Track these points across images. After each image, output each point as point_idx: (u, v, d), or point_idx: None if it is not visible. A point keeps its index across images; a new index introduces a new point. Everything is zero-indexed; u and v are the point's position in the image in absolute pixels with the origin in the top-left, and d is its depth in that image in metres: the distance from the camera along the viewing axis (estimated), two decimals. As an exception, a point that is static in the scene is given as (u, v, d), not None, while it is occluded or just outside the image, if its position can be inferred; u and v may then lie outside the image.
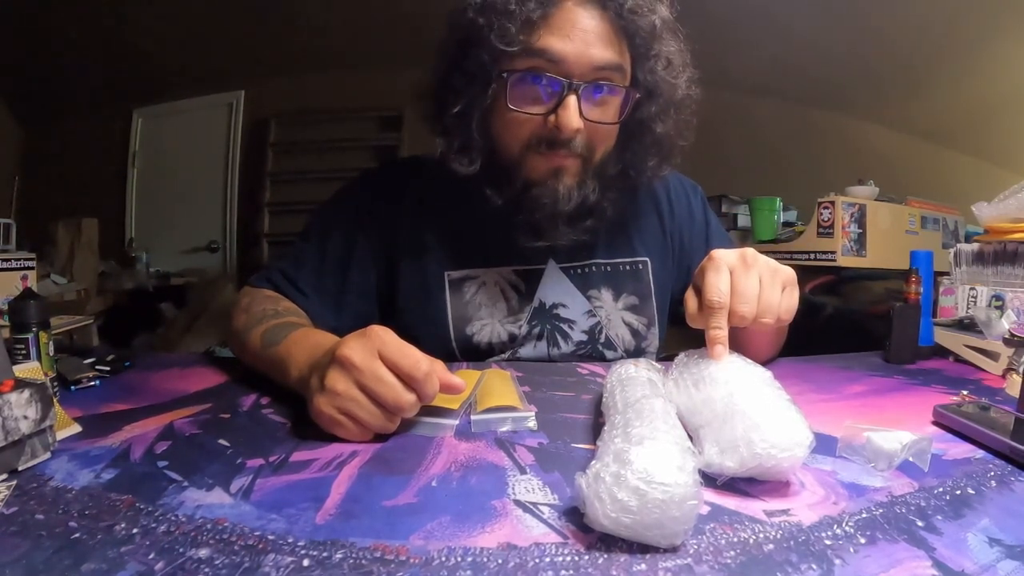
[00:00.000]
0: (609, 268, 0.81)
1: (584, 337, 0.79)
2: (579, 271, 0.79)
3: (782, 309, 0.52)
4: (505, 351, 0.78)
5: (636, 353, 0.81)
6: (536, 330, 0.78)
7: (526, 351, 0.78)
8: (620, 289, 0.80)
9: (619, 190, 0.74)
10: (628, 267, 0.81)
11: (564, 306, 0.79)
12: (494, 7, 0.63)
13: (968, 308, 0.86)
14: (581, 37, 0.63)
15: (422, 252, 0.77)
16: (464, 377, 0.63)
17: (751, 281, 0.51)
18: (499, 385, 0.60)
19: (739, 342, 0.60)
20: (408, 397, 0.46)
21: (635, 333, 0.81)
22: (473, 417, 0.52)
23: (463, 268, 0.77)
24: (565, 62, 0.63)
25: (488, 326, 0.77)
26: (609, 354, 0.80)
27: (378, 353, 0.46)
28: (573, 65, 0.63)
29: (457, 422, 0.51)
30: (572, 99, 0.63)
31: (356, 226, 0.78)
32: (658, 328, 0.83)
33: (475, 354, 0.78)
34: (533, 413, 0.52)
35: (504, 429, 0.51)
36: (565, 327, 0.79)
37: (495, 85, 0.66)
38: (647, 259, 0.82)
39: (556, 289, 0.78)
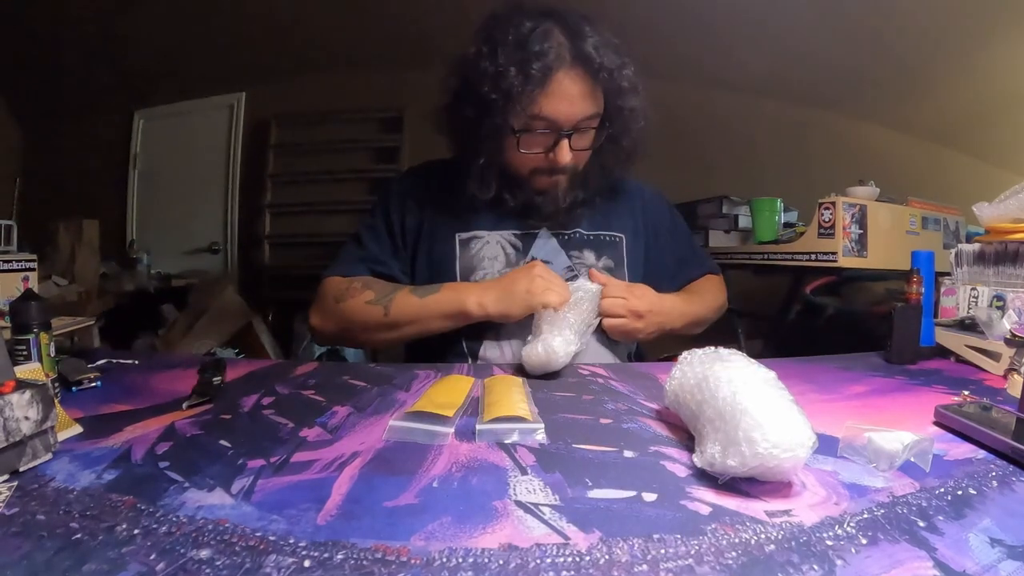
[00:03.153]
0: (591, 237, 0.97)
1: None
2: (566, 237, 0.96)
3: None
4: None
5: None
6: None
7: None
8: (600, 252, 0.97)
9: (598, 184, 0.96)
10: (607, 238, 0.98)
11: (550, 263, 0.93)
12: (506, 88, 0.81)
13: (969, 308, 0.86)
14: (569, 100, 0.83)
15: (441, 221, 0.95)
16: (456, 384, 0.63)
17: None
18: (509, 392, 0.59)
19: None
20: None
21: None
22: (478, 426, 0.50)
23: (471, 230, 0.94)
24: (558, 121, 0.84)
25: (489, 275, 0.91)
26: None
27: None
28: (564, 121, 0.84)
29: (452, 430, 0.51)
30: (564, 142, 0.85)
31: (402, 211, 0.98)
32: None
33: None
34: (542, 426, 0.51)
35: (510, 441, 0.49)
36: None
37: (510, 140, 0.86)
38: (622, 235, 1.00)
39: (545, 248, 0.95)
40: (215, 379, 0.64)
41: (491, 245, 0.93)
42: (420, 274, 0.96)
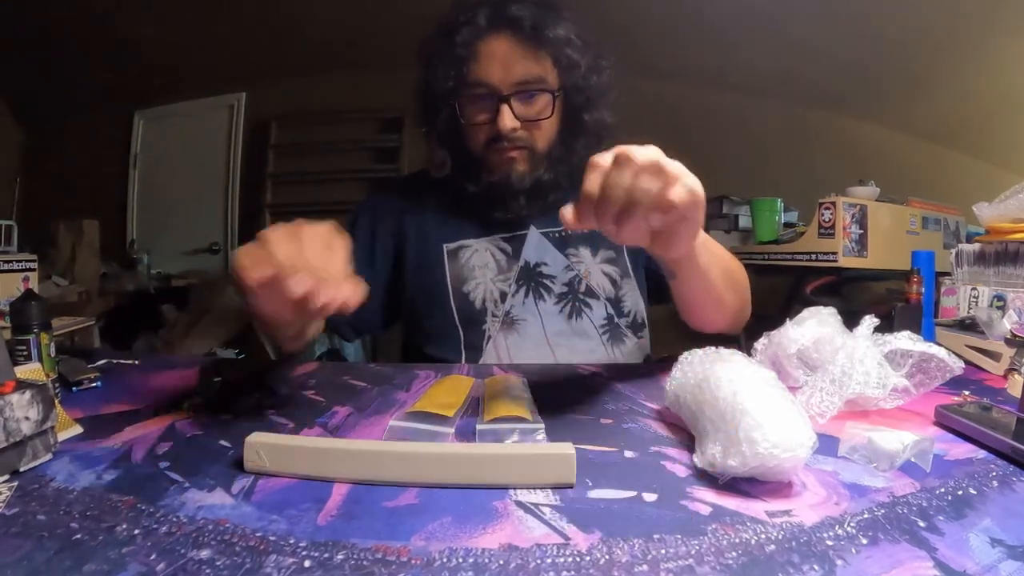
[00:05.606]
0: (584, 231, 0.88)
1: (564, 289, 0.91)
2: (557, 235, 0.92)
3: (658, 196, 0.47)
4: (498, 309, 0.89)
5: (616, 300, 0.92)
6: (524, 288, 0.90)
7: (517, 309, 0.89)
8: (596, 247, 0.93)
9: (570, 166, 0.88)
10: None
11: (545, 264, 0.91)
12: (437, 56, 0.84)
13: (969, 308, 0.86)
14: (500, 62, 0.82)
15: (424, 233, 0.92)
16: (457, 384, 0.63)
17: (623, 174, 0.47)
18: (510, 392, 0.58)
19: (686, 299, 0.74)
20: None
21: (613, 282, 0.92)
22: (479, 427, 0.50)
23: (458, 240, 0.91)
24: (492, 83, 0.82)
25: (482, 284, 0.89)
26: (592, 301, 0.91)
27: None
28: (500, 84, 0.82)
29: (452, 430, 0.51)
30: (504, 107, 0.82)
31: (374, 224, 0.94)
32: (636, 284, 0.94)
33: (471, 313, 0.88)
34: (543, 426, 0.50)
35: (510, 441, 0.49)
36: (547, 282, 0.91)
37: (452, 109, 0.85)
38: None
39: (538, 250, 0.91)
40: (215, 379, 0.64)
41: (480, 253, 0.91)
42: (408, 288, 0.93)
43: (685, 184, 0.48)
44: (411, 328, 0.96)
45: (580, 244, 0.92)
